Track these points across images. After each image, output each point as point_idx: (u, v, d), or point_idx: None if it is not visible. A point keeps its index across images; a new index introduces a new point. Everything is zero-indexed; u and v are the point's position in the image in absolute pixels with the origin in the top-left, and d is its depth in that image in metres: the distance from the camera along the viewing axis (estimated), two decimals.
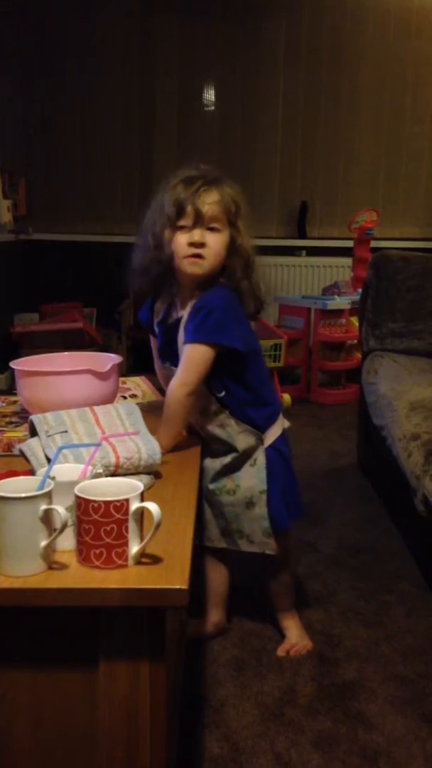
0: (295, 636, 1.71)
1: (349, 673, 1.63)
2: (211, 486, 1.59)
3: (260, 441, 1.55)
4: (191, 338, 1.42)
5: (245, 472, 1.56)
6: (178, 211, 1.40)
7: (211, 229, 1.42)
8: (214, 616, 1.74)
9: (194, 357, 1.42)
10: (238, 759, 1.37)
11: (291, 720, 1.47)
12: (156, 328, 1.58)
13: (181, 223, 1.42)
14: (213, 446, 1.56)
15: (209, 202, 1.40)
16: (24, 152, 4.71)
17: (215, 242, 1.42)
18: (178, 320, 1.50)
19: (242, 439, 1.53)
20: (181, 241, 1.42)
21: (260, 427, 1.56)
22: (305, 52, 4.73)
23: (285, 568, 1.72)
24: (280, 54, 4.73)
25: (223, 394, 1.51)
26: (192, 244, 1.41)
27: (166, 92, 4.76)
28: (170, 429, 1.42)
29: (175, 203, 1.41)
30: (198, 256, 1.41)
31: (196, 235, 1.40)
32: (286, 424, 1.66)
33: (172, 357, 1.52)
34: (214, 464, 1.57)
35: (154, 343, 1.61)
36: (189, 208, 1.40)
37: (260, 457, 1.56)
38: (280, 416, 1.62)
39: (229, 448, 1.54)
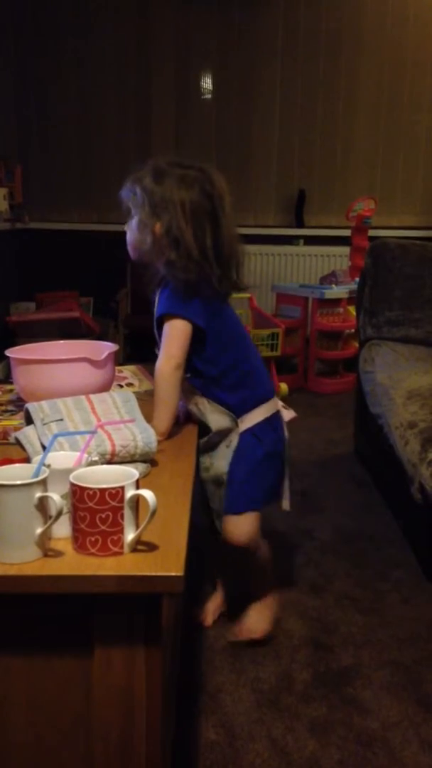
0: (247, 620, 1.69)
1: (345, 659, 1.64)
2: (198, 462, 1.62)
3: (235, 423, 1.56)
4: (157, 314, 1.48)
5: (220, 452, 1.58)
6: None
7: (131, 217, 1.51)
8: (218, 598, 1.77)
9: (169, 331, 1.46)
10: (234, 745, 1.37)
11: (287, 706, 1.48)
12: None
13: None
14: (199, 425, 1.59)
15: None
16: (20, 140, 4.68)
17: (128, 229, 1.51)
18: None
19: (215, 420, 1.54)
20: None
21: (234, 410, 1.56)
22: (303, 39, 4.70)
23: (248, 553, 1.65)
24: (277, 41, 4.70)
25: (189, 375, 1.52)
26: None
27: (163, 80, 4.73)
28: (163, 410, 1.43)
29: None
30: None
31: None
32: (289, 415, 1.65)
33: (158, 333, 1.55)
34: (199, 442, 1.60)
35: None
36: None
37: (234, 439, 1.57)
38: (268, 404, 1.60)
39: (205, 426, 1.56)
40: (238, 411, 1.56)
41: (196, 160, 1.51)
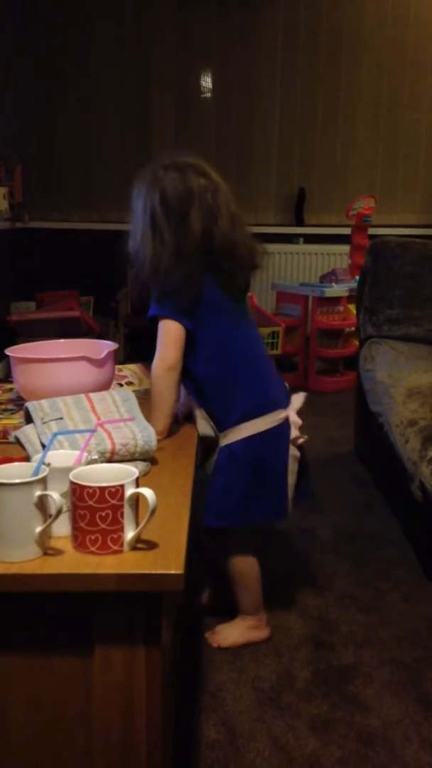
0: (221, 627, 1.68)
1: (346, 657, 1.64)
2: None
3: (216, 435, 1.54)
4: (147, 315, 1.49)
5: (209, 460, 1.57)
6: None
7: None
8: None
9: (160, 332, 1.47)
10: (234, 743, 1.37)
11: (287, 704, 1.48)
12: None
13: None
14: None
15: None
16: (20, 140, 4.68)
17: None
18: None
19: (201, 426, 1.54)
20: None
21: (218, 421, 1.53)
22: (303, 38, 4.69)
23: (225, 564, 1.64)
24: (278, 40, 4.69)
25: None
26: None
27: (162, 79, 4.72)
28: (159, 409, 1.43)
29: None
30: None
31: None
32: (294, 433, 1.58)
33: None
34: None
35: None
36: None
37: (216, 453, 1.55)
38: (261, 419, 1.54)
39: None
40: (221, 423, 1.54)
41: (193, 157, 1.51)
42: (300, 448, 1.61)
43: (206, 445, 1.57)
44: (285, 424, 1.57)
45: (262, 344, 1.68)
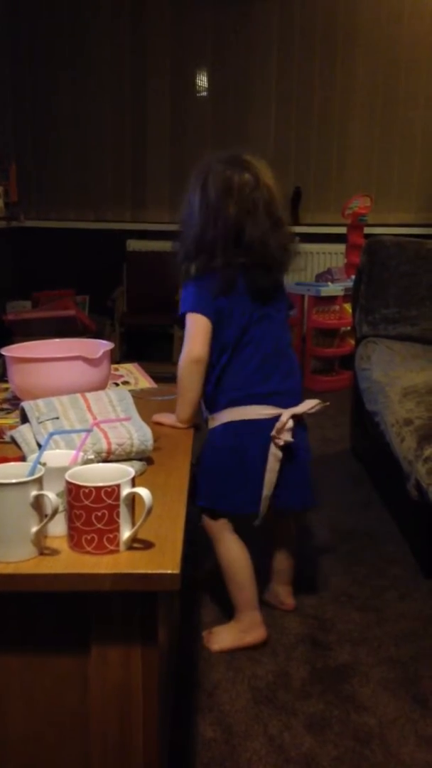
0: (216, 630, 1.68)
1: (342, 656, 1.64)
2: None
3: (205, 421, 1.63)
4: (180, 312, 1.58)
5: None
6: None
7: None
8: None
9: (187, 326, 1.56)
10: (231, 742, 1.37)
11: (284, 703, 1.48)
12: None
13: None
14: None
15: None
16: (16, 138, 4.67)
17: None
18: None
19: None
20: None
21: (208, 405, 1.62)
22: (298, 36, 4.69)
23: (215, 550, 1.66)
24: (273, 38, 4.69)
25: None
26: None
27: (158, 78, 4.72)
28: (183, 398, 1.53)
29: None
30: None
31: None
32: (275, 431, 1.57)
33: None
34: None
35: None
36: None
37: (206, 433, 1.64)
38: (242, 409, 1.57)
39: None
40: (210, 407, 1.62)
41: (251, 155, 1.58)
42: (283, 449, 1.57)
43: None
44: (271, 421, 1.56)
45: (280, 341, 1.64)
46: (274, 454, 1.57)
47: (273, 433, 1.56)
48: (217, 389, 1.60)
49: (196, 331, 1.54)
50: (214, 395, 1.61)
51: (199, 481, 1.61)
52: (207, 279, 1.54)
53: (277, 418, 1.57)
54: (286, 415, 1.57)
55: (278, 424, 1.55)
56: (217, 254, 1.52)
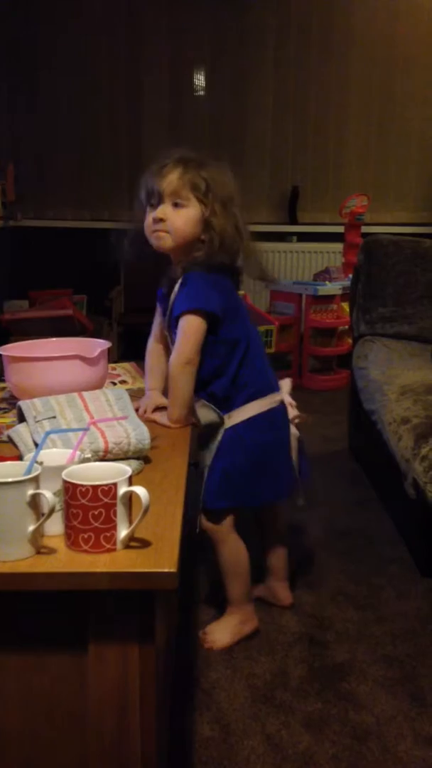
0: (212, 629, 1.68)
1: (340, 655, 1.64)
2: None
3: (221, 419, 1.58)
4: (179, 310, 1.50)
5: (209, 448, 1.60)
6: (147, 192, 1.49)
7: (177, 205, 1.48)
8: None
9: (184, 327, 1.50)
10: (229, 740, 1.38)
11: (282, 702, 1.48)
12: (159, 304, 1.64)
13: (152, 202, 1.50)
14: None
15: (170, 178, 1.47)
16: (12, 137, 4.66)
17: (178, 217, 1.48)
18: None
19: (204, 414, 1.57)
20: (148, 218, 1.50)
21: (222, 404, 1.58)
22: (295, 35, 4.69)
23: (217, 551, 1.66)
24: (269, 37, 4.69)
25: None
26: (154, 220, 1.49)
27: (154, 77, 4.71)
28: (176, 399, 1.49)
29: (144, 185, 1.50)
30: (163, 230, 1.49)
31: (158, 211, 1.48)
32: (293, 413, 1.66)
33: (171, 329, 1.58)
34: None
35: (158, 317, 1.66)
36: (153, 187, 1.48)
37: (220, 435, 1.59)
38: (263, 400, 1.60)
39: (198, 420, 1.59)
40: (226, 405, 1.58)
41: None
42: (297, 427, 1.67)
43: (199, 434, 1.61)
44: (283, 406, 1.65)
45: (258, 333, 1.75)
46: (294, 434, 1.66)
47: (291, 416, 1.65)
48: (234, 385, 1.57)
49: (193, 332, 1.50)
50: (231, 392, 1.58)
51: (218, 482, 1.57)
52: (213, 274, 1.51)
53: (281, 402, 1.65)
54: (287, 396, 1.67)
55: (290, 407, 1.66)
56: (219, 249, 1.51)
